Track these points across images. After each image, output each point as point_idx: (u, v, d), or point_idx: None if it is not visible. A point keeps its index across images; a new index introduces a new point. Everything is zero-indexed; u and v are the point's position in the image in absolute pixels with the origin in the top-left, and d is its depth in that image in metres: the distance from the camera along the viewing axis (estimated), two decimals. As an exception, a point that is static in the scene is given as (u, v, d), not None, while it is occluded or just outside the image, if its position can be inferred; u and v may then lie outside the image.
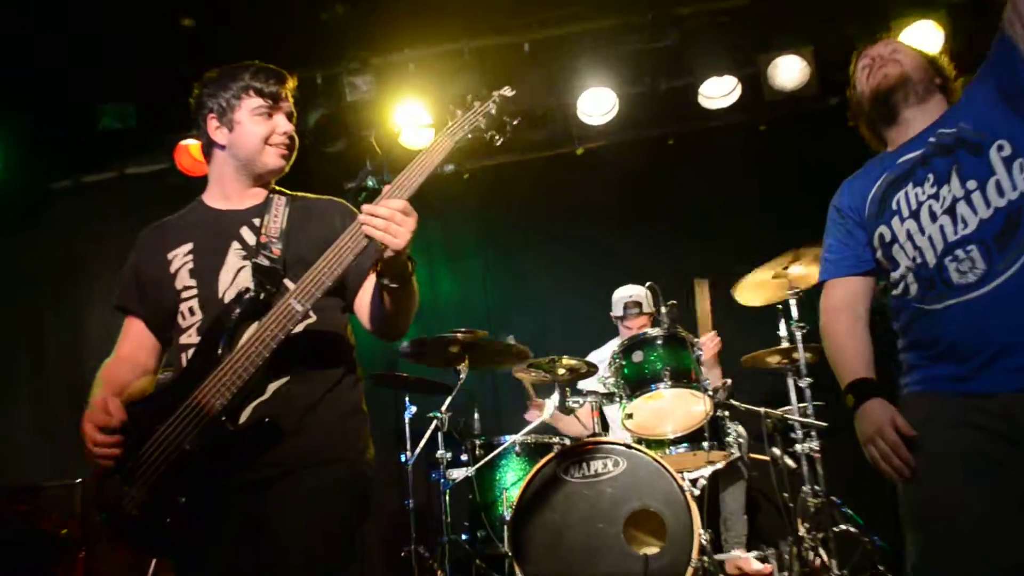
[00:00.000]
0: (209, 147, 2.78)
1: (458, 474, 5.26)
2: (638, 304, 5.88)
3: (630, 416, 4.91)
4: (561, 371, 5.14)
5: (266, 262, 2.56)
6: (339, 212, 2.74)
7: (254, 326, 2.42)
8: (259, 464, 2.40)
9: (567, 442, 5.10)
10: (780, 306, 5.28)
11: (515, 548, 4.53)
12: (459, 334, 4.98)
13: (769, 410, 4.87)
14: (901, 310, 2.62)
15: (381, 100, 6.25)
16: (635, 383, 4.93)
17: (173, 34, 5.68)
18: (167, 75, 6.01)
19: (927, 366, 2.52)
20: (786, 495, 4.73)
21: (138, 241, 2.80)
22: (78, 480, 5.40)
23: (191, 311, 2.61)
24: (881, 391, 2.57)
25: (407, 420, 5.71)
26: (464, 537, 5.17)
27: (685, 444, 4.95)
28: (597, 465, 4.63)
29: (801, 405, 5.06)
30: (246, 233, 2.66)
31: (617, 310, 5.99)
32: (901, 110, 2.70)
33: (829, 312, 2.78)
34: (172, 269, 2.65)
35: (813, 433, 4.92)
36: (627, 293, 5.97)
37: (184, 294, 2.62)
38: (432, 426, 5.40)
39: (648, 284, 5.55)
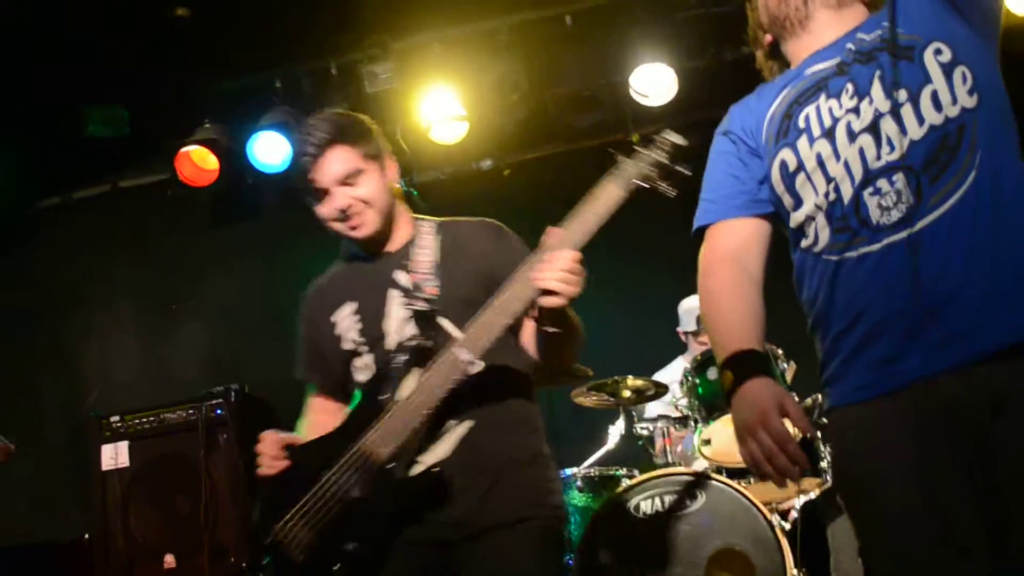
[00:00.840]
0: None
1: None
2: (713, 316, 5.79)
3: (707, 442, 4.83)
4: (627, 393, 5.07)
5: (424, 305, 2.82)
6: (490, 236, 3.00)
7: (421, 373, 2.68)
8: (442, 523, 2.67)
9: (636, 473, 5.02)
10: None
11: (581, 599, 4.45)
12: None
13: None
14: (806, 270, 2.27)
15: (405, 90, 6.19)
16: (712, 404, 4.83)
17: (166, 26, 5.68)
18: (161, 73, 6.06)
19: (846, 354, 2.18)
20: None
21: (303, 309, 3.12)
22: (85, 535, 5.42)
23: (366, 366, 2.90)
24: (770, 367, 2.25)
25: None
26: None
27: (773, 472, 4.84)
28: (671, 499, 4.54)
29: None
30: (400, 277, 2.91)
31: (688, 323, 5.91)
32: (813, 10, 2.36)
33: (708, 264, 2.40)
34: (338, 331, 2.96)
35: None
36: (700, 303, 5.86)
37: (355, 353, 2.92)
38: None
39: None
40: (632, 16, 6.17)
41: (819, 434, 4.91)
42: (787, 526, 4.58)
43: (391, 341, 2.84)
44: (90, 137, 6.30)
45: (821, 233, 2.21)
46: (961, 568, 2.00)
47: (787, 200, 2.29)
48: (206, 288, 6.84)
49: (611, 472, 5.11)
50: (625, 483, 4.77)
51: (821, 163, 2.19)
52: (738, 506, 4.43)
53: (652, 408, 5.63)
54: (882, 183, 2.10)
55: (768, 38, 2.50)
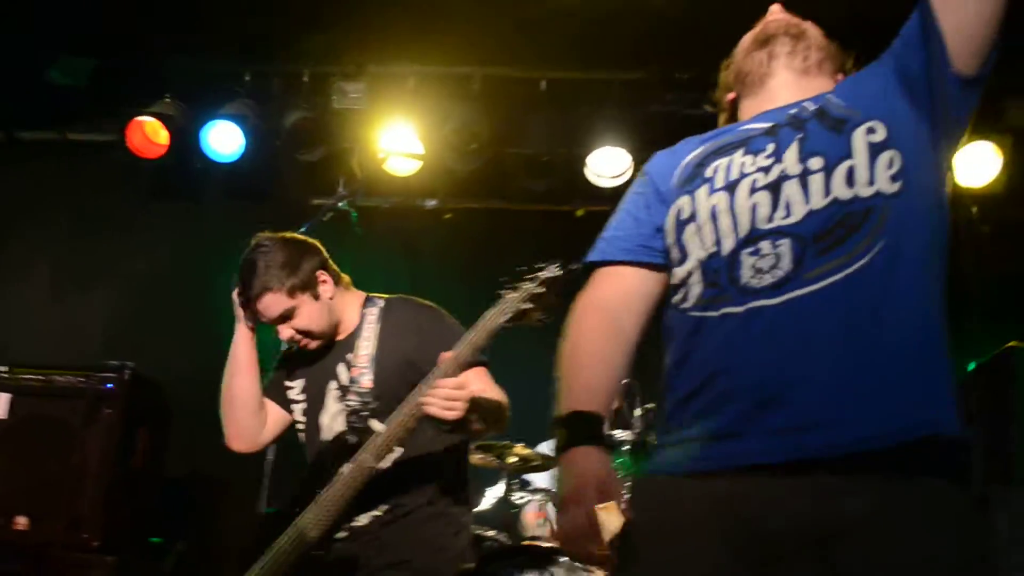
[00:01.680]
0: None
1: None
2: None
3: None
4: (512, 459, 5.03)
5: (356, 402, 3.20)
6: (422, 323, 3.32)
7: (348, 466, 3.01)
8: None
9: (503, 539, 4.96)
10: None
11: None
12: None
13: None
14: (672, 328, 2.08)
15: (371, 114, 6.18)
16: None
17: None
18: (135, 38, 5.99)
19: (685, 419, 1.96)
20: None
21: (279, 357, 3.55)
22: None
23: (305, 441, 3.39)
24: (603, 439, 2.02)
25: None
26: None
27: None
28: (533, 573, 4.49)
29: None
30: (341, 371, 3.31)
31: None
32: (776, 69, 2.24)
33: (582, 308, 2.19)
34: (290, 397, 3.42)
35: None
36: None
37: (298, 426, 3.40)
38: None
39: (625, 380, 5.30)
40: (605, 96, 6.24)
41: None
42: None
43: (325, 433, 3.28)
44: (50, 83, 6.18)
45: (693, 289, 2.02)
46: None
47: (674, 253, 2.10)
48: (128, 260, 6.70)
49: (484, 533, 5.05)
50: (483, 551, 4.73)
51: (713, 216, 2.02)
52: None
53: (539, 480, 5.58)
54: (764, 245, 1.92)
55: (731, 96, 2.40)
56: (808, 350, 1.83)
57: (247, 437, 3.39)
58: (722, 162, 2.09)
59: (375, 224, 5.44)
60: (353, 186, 5.20)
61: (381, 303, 3.38)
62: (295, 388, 3.42)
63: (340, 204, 4.68)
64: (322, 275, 3.29)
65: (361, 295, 3.44)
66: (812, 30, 2.30)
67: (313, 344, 3.31)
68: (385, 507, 3.19)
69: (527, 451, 5.02)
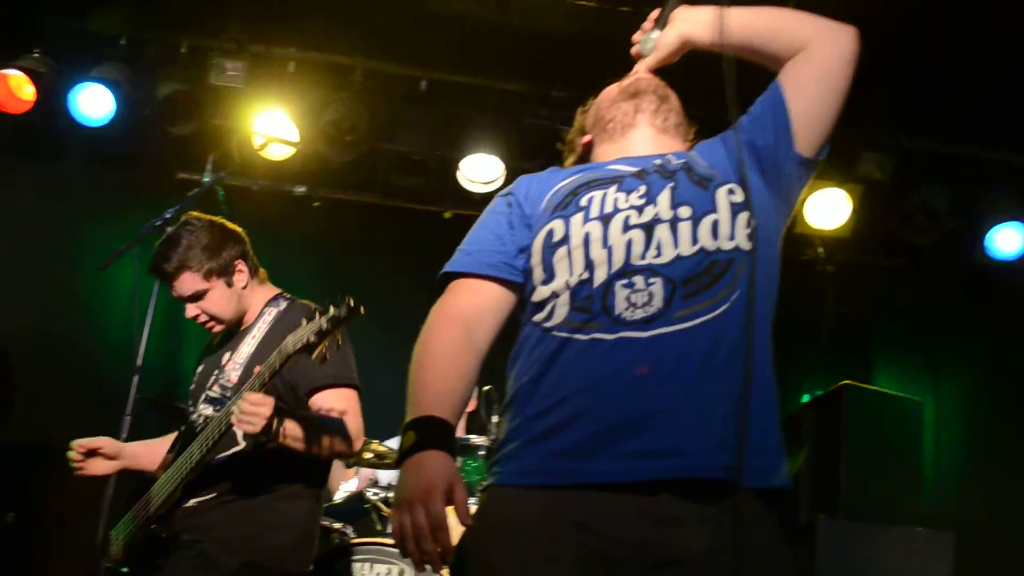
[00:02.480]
0: None
1: None
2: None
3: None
4: (367, 455, 5.01)
5: (217, 394, 3.39)
6: (294, 324, 3.19)
7: (187, 451, 3.23)
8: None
9: (350, 532, 4.95)
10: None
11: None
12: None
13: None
14: (529, 344, 2.16)
15: (249, 94, 6.07)
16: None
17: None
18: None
19: (533, 435, 2.04)
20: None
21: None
22: None
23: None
24: (453, 447, 2.05)
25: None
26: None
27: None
28: (382, 568, 4.49)
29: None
30: (225, 359, 3.47)
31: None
32: (640, 121, 2.39)
33: (438, 318, 2.24)
34: (194, 373, 3.63)
35: None
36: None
37: (190, 402, 3.57)
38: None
39: (487, 388, 5.19)
40: (484, 103, 6.31)
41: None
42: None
43: (198, 414, 3.44)
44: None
45: (559, 310, 2.10)
46: None
47: (538, 273, 2.18)
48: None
49: (331, 525, 5.02)
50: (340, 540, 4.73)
51: (586, 243, 2.12)
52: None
53: (391, 476, 5.54)
54: (638, 279, 2.04)
55: (586, 139, 2.53)
56: (670, 384, 1.97)
57: None
58: (596, 194, 2.20)
59: (242, 205, 5.38)
60: (223, 164, 5.11)
61: (284, 304, 3.51)
62: (197, 370, 3.62)
63: (207, 180, 4.63)
64: (240, 264, 3.46)
65: (273, 291, 3.59)
66: (674, 96, 2.46)
67: (217, 328, 3.49)
68: (213, 493, 3.29)
69: (382, 447, 5.01)
